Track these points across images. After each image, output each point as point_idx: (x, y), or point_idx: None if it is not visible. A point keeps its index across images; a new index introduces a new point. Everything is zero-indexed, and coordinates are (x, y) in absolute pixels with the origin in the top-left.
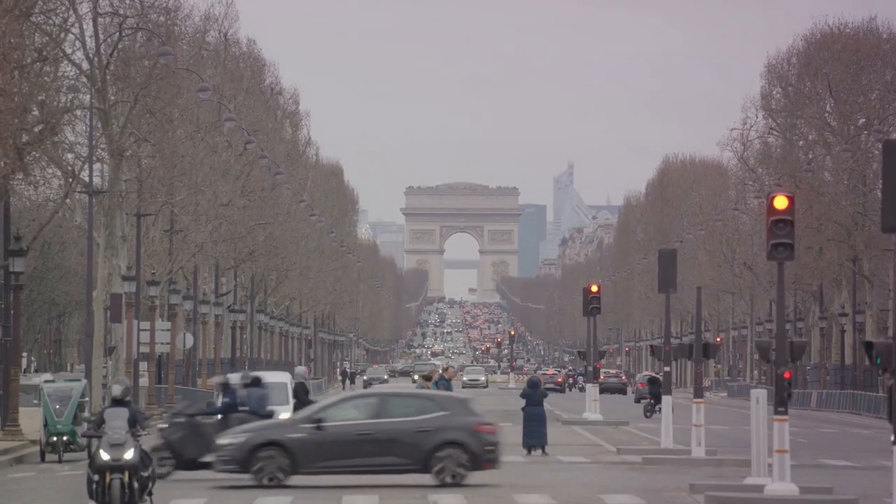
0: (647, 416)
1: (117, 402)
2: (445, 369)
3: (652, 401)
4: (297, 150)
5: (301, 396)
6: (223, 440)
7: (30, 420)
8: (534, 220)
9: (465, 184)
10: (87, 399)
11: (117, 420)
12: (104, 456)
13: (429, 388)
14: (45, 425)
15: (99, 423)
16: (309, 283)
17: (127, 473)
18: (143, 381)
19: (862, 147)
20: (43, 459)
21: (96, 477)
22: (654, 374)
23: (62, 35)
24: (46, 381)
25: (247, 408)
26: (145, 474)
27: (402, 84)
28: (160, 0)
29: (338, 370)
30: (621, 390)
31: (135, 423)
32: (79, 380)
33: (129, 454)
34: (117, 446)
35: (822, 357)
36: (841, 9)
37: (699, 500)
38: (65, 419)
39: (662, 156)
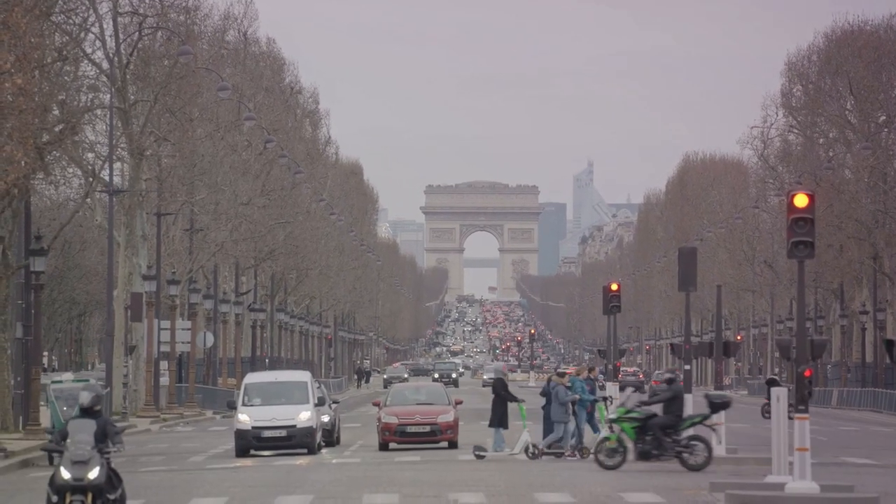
0: (765, 417)
1: (85, 412)
2: (591, 369)
3: (770, 402)
4: (317, 149)
5: (500, 391)
6: None
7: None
8: (554, 218)
9: (485, 182)
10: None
11: (83, 433)
12: (65, 474)
13: (565, 384)
14: (53, 427)
15: (63, 435)
16: (329, 281)
17: (90, 496)
18: (164, 380)
19: (883, 144)
20: (51, 462)
21: (55, 498)
22: (773, 376)
23: (82, 34)
24: (54, 382)
25: None
26: (112, 497)
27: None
28: None
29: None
30: (639, 388)
31: (104, 437)
32: (87, 380)
33: (93, 473)
34: (80, 464)
35: (842, 355)
36: (861, 6)
37: (719, 498)
38: None
39: (682, 154)
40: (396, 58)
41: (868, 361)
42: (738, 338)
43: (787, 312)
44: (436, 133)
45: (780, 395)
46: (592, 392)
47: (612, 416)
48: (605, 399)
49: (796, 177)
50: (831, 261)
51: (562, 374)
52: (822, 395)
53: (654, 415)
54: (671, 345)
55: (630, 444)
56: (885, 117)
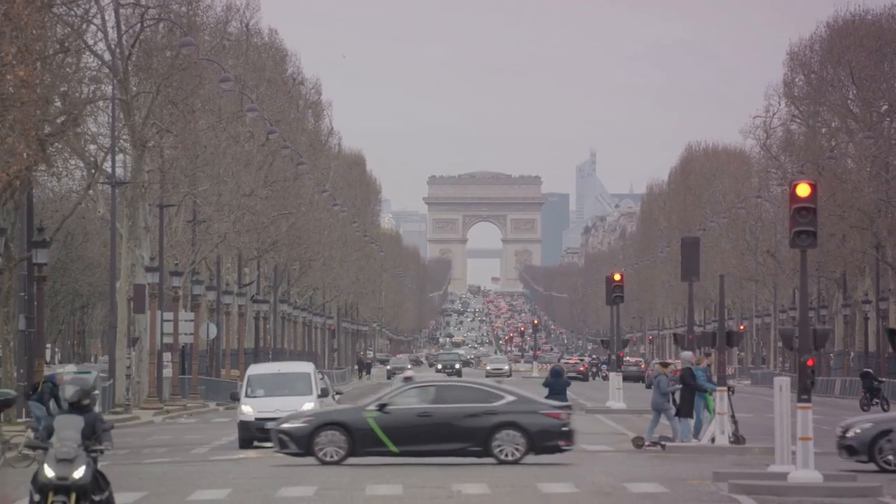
0: (864, 410)
1: (72, 407)
2: (707, 355)
3: (867, 394)
4: (320, 140)
5: (687, 381)
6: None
7: None
8: (557, 208)
9: (487, 173)
10: (97, 392)
11: (69, 430)
12: (48, 473)
13: (666, 374)
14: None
15: (49, 431)
16: (332, 272)
17: (74, 496)
18: (167, 371)
19: (885, 134)
20: None
21: (38, 497)
22: (867, 369)
23: (84, 26)
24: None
25: None
26: (98, 498)
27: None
28: None
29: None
30: (642, 378)
31: (92, 434)
32: (89, 372)
33: (78, 472)
34: (65, 462)
35: (845, 344)
36: None
37: (723, 487)
38: None
39: (685, 144)
40: (400, 48)
41: (871, 351)
42: (741, 327)
43: (789, 302)
44: (438, 123)
45: (783, 384)
46: (710, 380)
47: None
48: (728, 389)
49: (799, 166)
50: (834, 250)
51: (665, 365)
52: (825, 385)
53: None
54: (674, 335)
55: None
56: (887, 106)
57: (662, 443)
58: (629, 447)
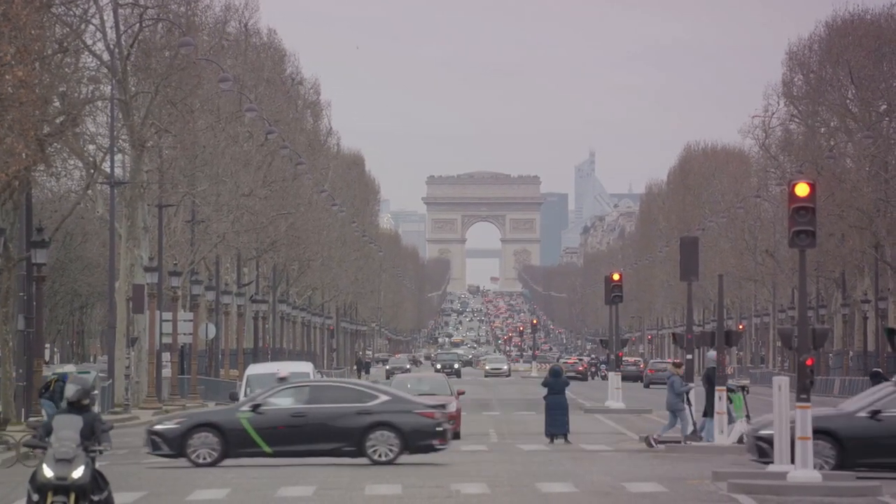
0: None
1: (72, 406)
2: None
3: None
4: (319, 140)
5: (713, 380)
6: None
7: None
8: (555, 208)
9: (486, 173)
10: (97, 392)
11: (68, 430)
12: (47, 472)
13: (680, 374)
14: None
15: (47, 431)
16: (331, 272)
17: (73, 496)
18: (166, 371)
19: (884, 133)
20: None
21: (36, 497)
22: (876, 369)
23: (83, 26)
24: (55, 374)
25: None
26: (97, 498)
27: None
28: None
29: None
30: (641, 378)
31: (91, 434)
32: (88, 372)
33: (77, 472)
34: (64, 462)
35: (844, 344)
36: None
37: (722, 487)
38: None
39: (684, 144)
40: (399, 48)
41: (870, 350)
42: (740, 327)
43: (788, 301)
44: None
45: (782, 384)
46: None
47: None
48: (742, 388)
49: (797, 166)
50: (833, 250)
51: (678, 365)
52: (823, 384)
53: None
54: (673, 334)
55: None
56: (885, 106)
57: (652, 440)
58: (628, 447)
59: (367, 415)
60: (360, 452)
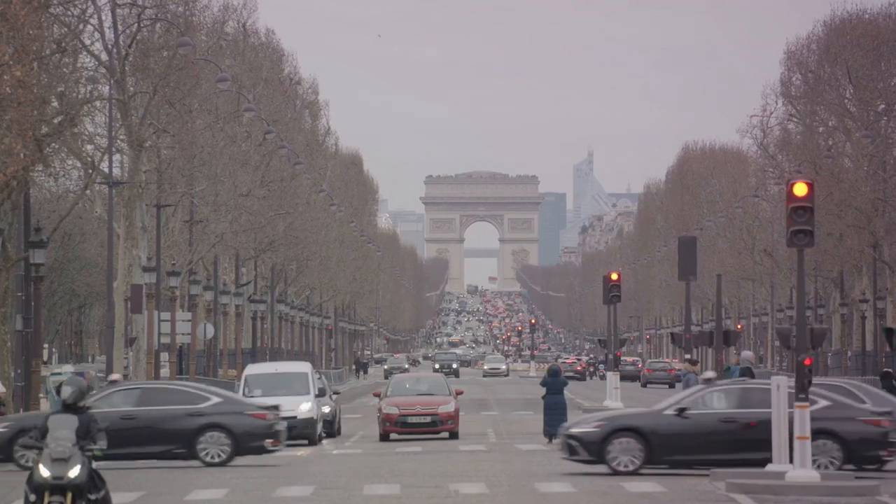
0: None
1: (68, 407)
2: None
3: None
4: (317, 140)
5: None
6: None
7: None
8: (554, 208)
9: (484, 173)
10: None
11: (63, 430)
12: (44, 472)
13: (696, 372)
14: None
15: (43, 431)
16: (329, 272)
17: (70, 496)
18: (165, 371)
19: (882, 133)
20: None
21: (33, 497)
22: (887, 369)
23: (81, 26)
24: (53, 374)
25: None
26: (94, 497)
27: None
28: None
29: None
30: (639, 377)
31: (86, 434)
32: (82, 373)
33: (73, 472)
34: (60, 462)
35: (842, 343)
36: None
37: (720, 487)
38: None
39: (682, 143)
40: (396, 48)
41: (868, 350)
42: (739, 327)
43: (787, 301)
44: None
45: (780, 383)
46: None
47: None
48: None
49: (796, 165)
50: (831, 249)
51: (694, 362)
52: None
53: None
54: (672, 334)
55: None
56: (884, 105)
57: None
58: None
59: (198, 416)
60: (192, 454)
